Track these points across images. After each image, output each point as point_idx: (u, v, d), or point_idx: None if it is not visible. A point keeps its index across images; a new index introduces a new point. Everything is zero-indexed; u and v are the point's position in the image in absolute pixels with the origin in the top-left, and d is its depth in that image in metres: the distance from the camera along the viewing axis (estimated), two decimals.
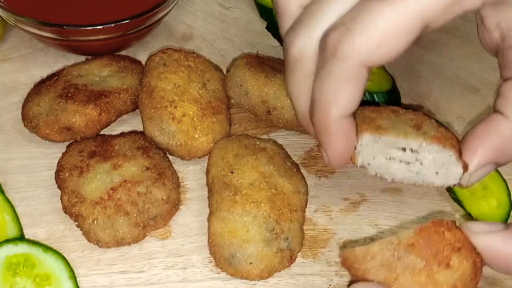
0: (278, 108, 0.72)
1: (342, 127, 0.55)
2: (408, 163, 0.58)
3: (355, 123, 0.58)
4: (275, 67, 0.76)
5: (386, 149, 0.58)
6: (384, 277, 0.48)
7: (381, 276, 0.48)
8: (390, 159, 0.58)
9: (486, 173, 0.58)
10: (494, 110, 0.58)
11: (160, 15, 0.80)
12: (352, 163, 0.60)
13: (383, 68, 0.86)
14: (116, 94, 0.72)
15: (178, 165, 0.71)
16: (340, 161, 0.59)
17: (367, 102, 0.81)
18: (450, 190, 0.70)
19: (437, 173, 0.57)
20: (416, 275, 0.47)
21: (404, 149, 0.57)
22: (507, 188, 0.72)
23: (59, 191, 0.65)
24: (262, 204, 0.61)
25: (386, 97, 0.81)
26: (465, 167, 0.56)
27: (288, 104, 0.71)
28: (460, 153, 0.57)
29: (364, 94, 0.81)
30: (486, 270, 0.64)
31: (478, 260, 0.49)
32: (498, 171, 0.73)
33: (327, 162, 0.60)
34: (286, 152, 0.71)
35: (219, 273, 0.61)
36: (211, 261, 0.62)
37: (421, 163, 0.57)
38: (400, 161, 0.58)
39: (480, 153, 0.56)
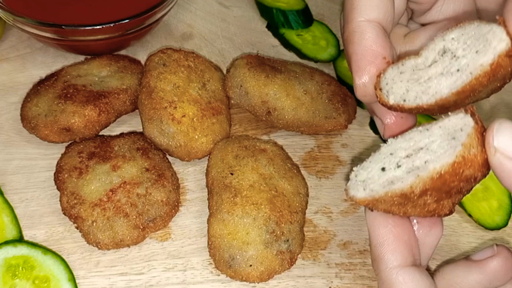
0: (278, 108, 0.71)
1: (366, 30, 0.50)
2: (444, 67, 0.47)
3: (387, 42, 0.51)
4: (276, 67, 0.75)
5: (416, 74, 0.49)
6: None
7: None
8: (426, 80, 0.48)
9: None
10: None
11: (159, 15, 0.80)
12: (385, 105, 0.51)
13: None
14: (116, 95, 0.72)
15: (178, 166, 0.70)
16: (365, 80, 0.50)
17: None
18: None
19: (477, 52, 0.44)
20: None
21: (434, 61, 0.47)
22: None
23: (58, 192, 0.65)
24: (262, 206, 0.61)
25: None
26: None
27: (289, 104, 0.71)
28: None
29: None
30: None
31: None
32: None
33: (355, 88, 0.52)
34: (286, 153, 0.71)
35: (218, 275, 0.61)
36: (210, 263, 0.62)
37: (456, 57, 0.46)
38: (437, 74, 0.47)
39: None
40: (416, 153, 0.47)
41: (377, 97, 0.50)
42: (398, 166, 0.48)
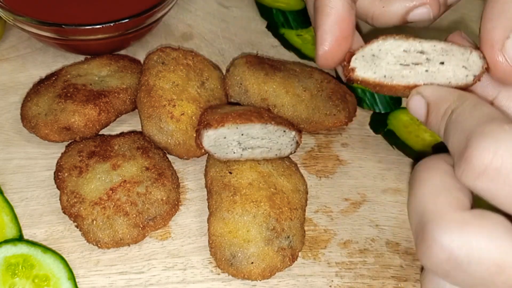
0: (278, 105, 0.71)
1: (339, 7, 0.56)
2: (417, 64, 0.55)
3: (354, 20, 0.57)
4: (275, 65, 0.75)
5: (388, 57, 0.55)
6: None
7: None
8: (402, 64, 0.55)
9: None
10: None
11: (159, 15, 0.80)
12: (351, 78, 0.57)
13: None
14: (116, 94, 0.72)
15: (178, 165, 0.70)
16: (328, 52, 0.57)
17: (368, 102, 0.81)
18: None
19: (442, 63, 0.54)
20: None
21: (407, 51, 0.54)
22: None
23: (58, 192, 0.65)
24: (262, 204, 0.61)
25: (387, 96, 0.81)
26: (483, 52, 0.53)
27: (288, 101, 0.71)
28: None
29: (365, 94, 0.81)
30: None
31: None
32: None
33: (318, 56, 0.58)
34: None
35: (219, 274, 0.61)
36: (211, 262, 0.62)
37: (429, 59, 0.54)
38: (409, 64, 0.55)
39: (490, 27, 0.51)
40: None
41: (346, 70, 0.56)
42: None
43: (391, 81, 0.56)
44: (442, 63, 0.54)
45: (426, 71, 0.55)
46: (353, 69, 0.55)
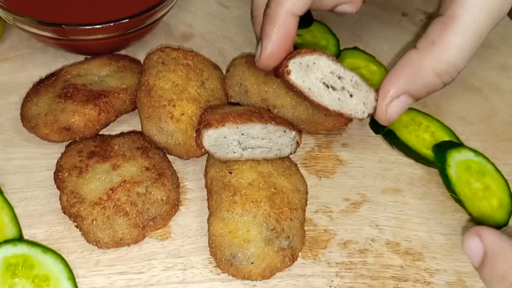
0: (278, 106, 0.71)
1: (287, 22, 0.62)
2: (334, 88, 0.65)
3: (296, 30, 0.64)
4: None
5: (319, 71, 0.64)
6: None
7: None
8: (322, 82, 0.65)
9: (403, 106, 0.65)
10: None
11: (159, 14, 0.80)
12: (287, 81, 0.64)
13: (384, 67, 0.86)
14: (116, 94, 0.72)
15: (178, 165, 0.70)
16: (271, 56, 0.64)
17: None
18: (452, 190, 0.70)
19: (351, 95, 0.65)
20: None
21: (332, 73, 0.64)
22: (509, 188, 0.71)
23: (58, 192, 0.64)
24: (262, 204, 0.61)
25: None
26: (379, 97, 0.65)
27: (288, 102, 0.71)
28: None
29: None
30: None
31: None
32: (499, 171, 0.73)
33: (257, 58, 0.65)
34: None
35: (219, 274, 0.61)
36: (211, 262, 0.62)
37: (344, 89, 0.65)
38: (329, 86, 0.65)
39: (391, 81, 0.64)
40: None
41: (282, 69, 0.64)
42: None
43: (312, 95, 0.65)
44: (351, 95, 0.65)
45: (339, 99, 0.65)
46: (288, 71, 0.63)
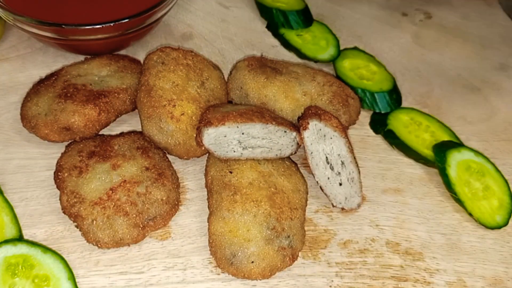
0: (277, 110, 0.71)
1: None
2: (332, 169, 0.66)
3: None
4: (277, 69, 0.75)
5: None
6: None
7: None
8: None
9: None
10: None
11: (159, 14, 0.80)
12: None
13: (383, 67, 0.86)
14: (116, 94, 0.72)
15: (178, 165, 0.70)
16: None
17: (368, 102, 0.81)
18: (452, 190, 0.70)
19: (341, 184, 0.67)
20: None
21: (339, 156, 0.66)
22: (509, 188, 0.71)
23: (58, 192, 0.64)
24: (262, 203, 0.61)
25: (387, 97, 0.81)
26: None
27: (287, 106, 0.71)
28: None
29: (365, 94, 0.80)
30: (485, 270, 0.64)
31: None
32: (499, 171, 0.73)
33: None
34: None
35: (218, 274, 0.61)
36: (211, 262, 0.62)
37: (339, 175, 0.66)
38: (329, 163, 0.66)
39: None
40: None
41: (301, 125, 0.66)
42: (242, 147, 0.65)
43: (310, 159, 0.66)
44: (340, 184, 0.67)
45: (328, 178, 0.67)
46: (305, 127, 0.65)
